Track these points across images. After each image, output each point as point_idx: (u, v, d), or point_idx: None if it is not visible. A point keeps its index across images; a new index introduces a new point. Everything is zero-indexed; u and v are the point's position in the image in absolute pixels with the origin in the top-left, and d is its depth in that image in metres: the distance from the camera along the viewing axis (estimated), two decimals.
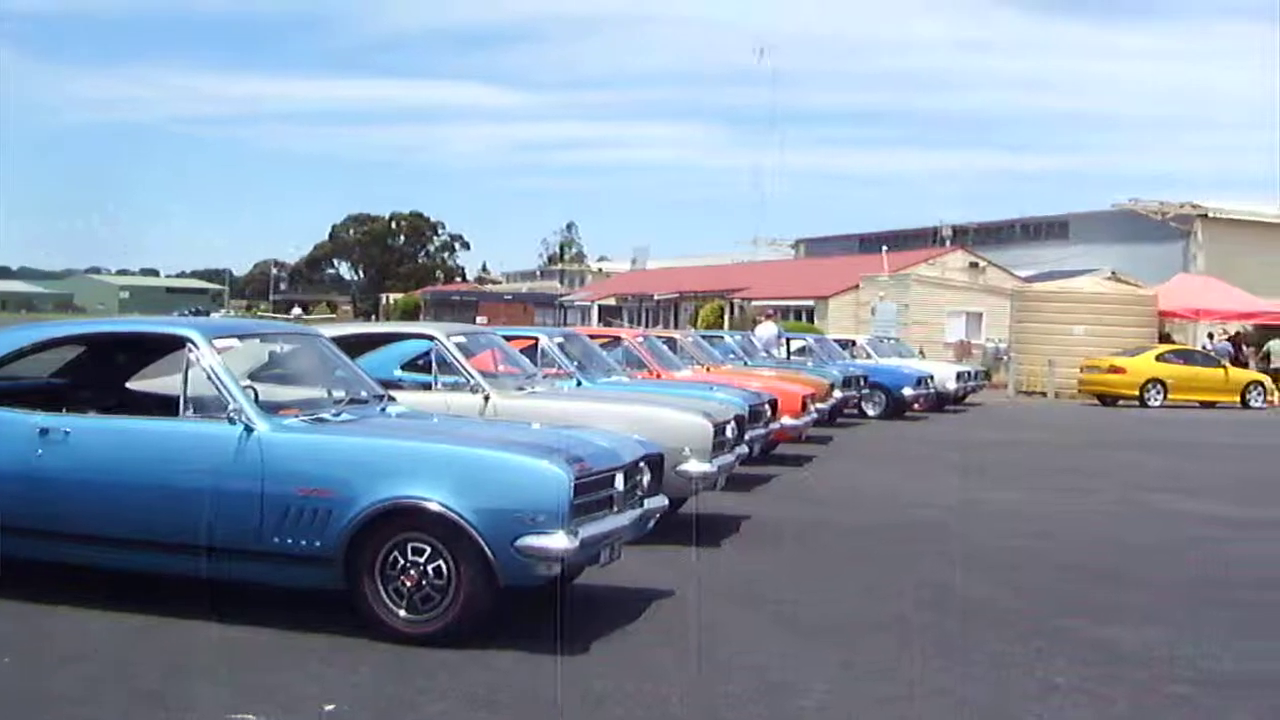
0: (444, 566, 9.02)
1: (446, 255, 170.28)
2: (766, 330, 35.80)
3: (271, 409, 9.80)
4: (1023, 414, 39.67)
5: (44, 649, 9.02)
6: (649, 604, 10.62)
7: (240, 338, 11.12)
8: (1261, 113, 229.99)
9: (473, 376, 13.98)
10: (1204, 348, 52.63)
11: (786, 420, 19.89)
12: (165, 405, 10.41)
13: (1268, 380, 47.73)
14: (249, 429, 9.45)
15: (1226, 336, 54.86)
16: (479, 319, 77.61)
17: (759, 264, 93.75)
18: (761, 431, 17.54)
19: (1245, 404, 45.66)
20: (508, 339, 16.69)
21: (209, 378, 9.77)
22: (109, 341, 12.17)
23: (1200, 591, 12.49)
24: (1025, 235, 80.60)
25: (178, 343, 10.20)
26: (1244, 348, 53.10)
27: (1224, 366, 47.28)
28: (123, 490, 9.72)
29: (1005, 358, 53.26)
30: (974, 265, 71.03)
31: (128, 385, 12.09)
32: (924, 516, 16.45)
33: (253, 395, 9.75)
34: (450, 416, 12.26)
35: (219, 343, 10.15)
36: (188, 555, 9.52)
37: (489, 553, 8.89)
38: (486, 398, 13.70)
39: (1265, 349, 51.71)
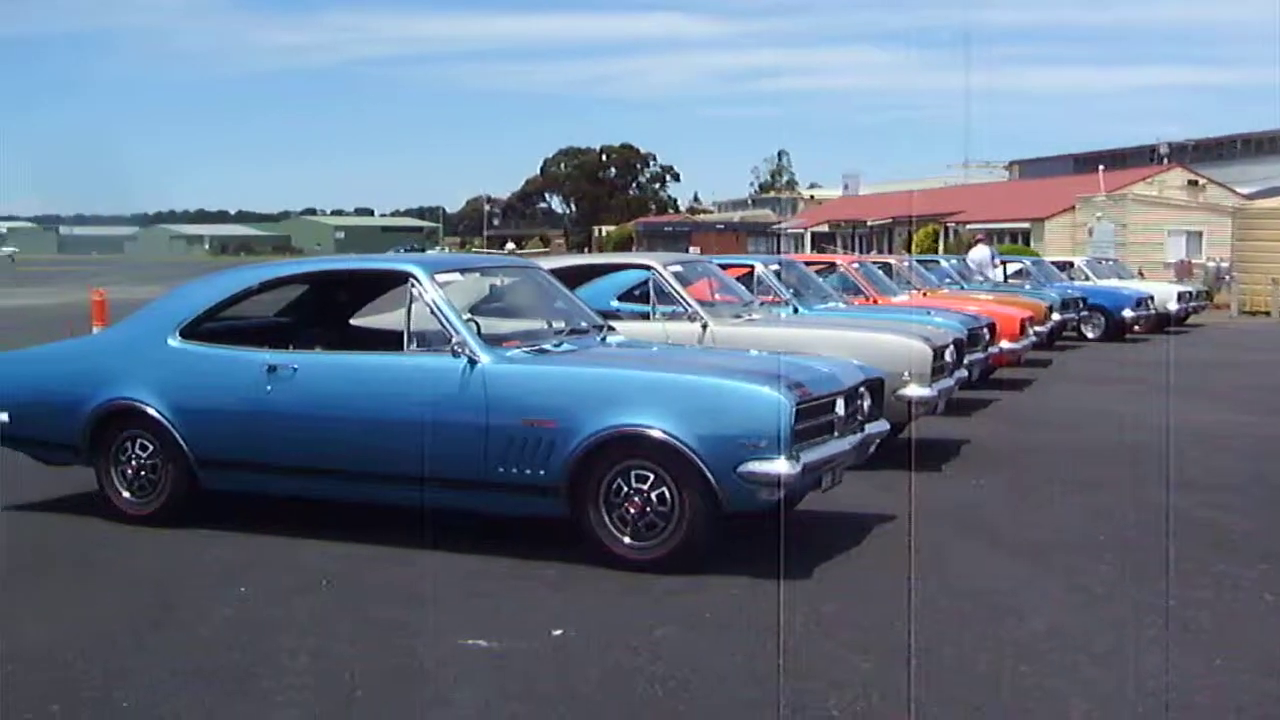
0: (667, 493, 9.10)
1: (657, 186, 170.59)
2: (980, 253, 35.39)
3: (494, 341, 9.93)
4: (1246, 335, 38.83)
5: (278, 579, 9.27)
6: (871, 529, 10.62)
7: (461, 272, 11.23)
8: None
9: (690, 305, 14.04)
10: None
11: (1005, 344, 19.69)
12: (389, 340, 10.62)
13: None
14: (472, 361, 9.60)
15: None
16: (692, 249, 77.55)
17: (973, 187, 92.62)
18: (980, 356, 17.38)
19: None
20: (723, 267, 16.73)
21: (432, 312, 9.92)
22: (331, 280, 12.42)
23: None
24: (1246, 151, 78.83)
25: (400, 278, 10.37)
26: None
27: None
28: (351, 424, 9.95)
29: (1227, 277, 52.12)
30: (1193, 183, 69.58)
31: (351, 322, 12.33)
32: (1145, 439, 16.19)
33: (475, 328, 9.89)
34: (669, 345, 12.34)
35: (440, 277, 10.29)
36: (416, 486, 9.71)
37: (711, 479, 8.94)
38: (705, 326, 13.76)
39: None
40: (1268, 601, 8.87)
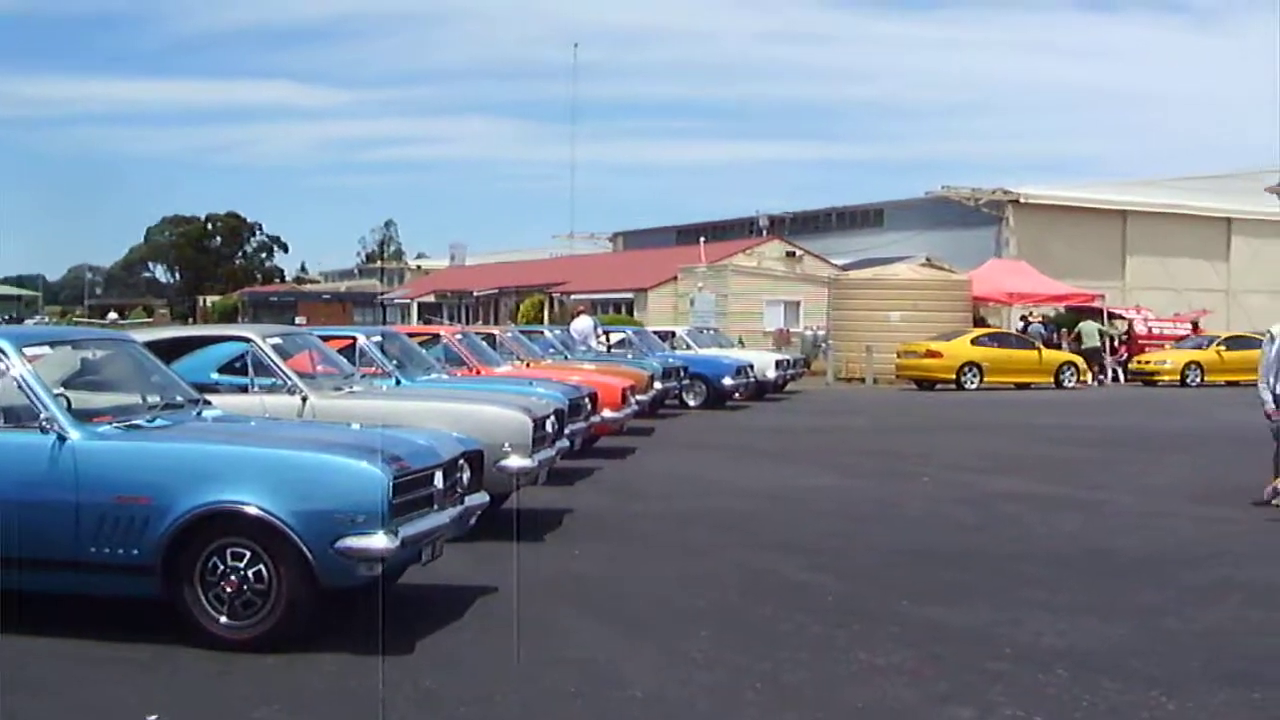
0: (264, 571, 8.95)
1: (264, 256, 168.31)
2: (583, 323, 35.75)
3: (84, 417, 9.64)
4: (842, 400, 40.06)
5: None
6: (473, 601, 10.61)
7: (51, 345, 10.90)
8: (1063, 97, 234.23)
9: (289, 378, 13.86)
10: (1018, 330, 53.55)
11: (607, 413, 19.97)
12: None
13: (1080, 360, 48.75)
14: (62, 438, 9.30)
15: (1039, 319, 55.88)
16: (298, 319, 76.73)
17: (577, 258, 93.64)
18: (582, 425, 17.58)
19: (1059, 384, 46.58)
20: (325, 339, 16.58)
21: (20, 387, 9.59)
22: None
23: (1014, 567, 12.69)
24: (841, 224, 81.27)
25: None
26: (1058, 330, 54.16)
27: (1037, 348, 48.14)
28: None
29: (823, 345, 53.71)
30: (791, 254, 71.48)
31: None
32: (746, 505, 16.57)
33: (65, 403, 9.59)
34: (267, 419, 12.15)
35: (29, 351, 9.96)
36: (3, 568, 9.35)
37: (309, 555, 8.83)
38: (304, 399, 13.60)
39: (1076, 330, 52.70)
40: (861, 660, 9.11)
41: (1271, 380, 16.23)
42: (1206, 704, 8.16)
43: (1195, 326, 57.43)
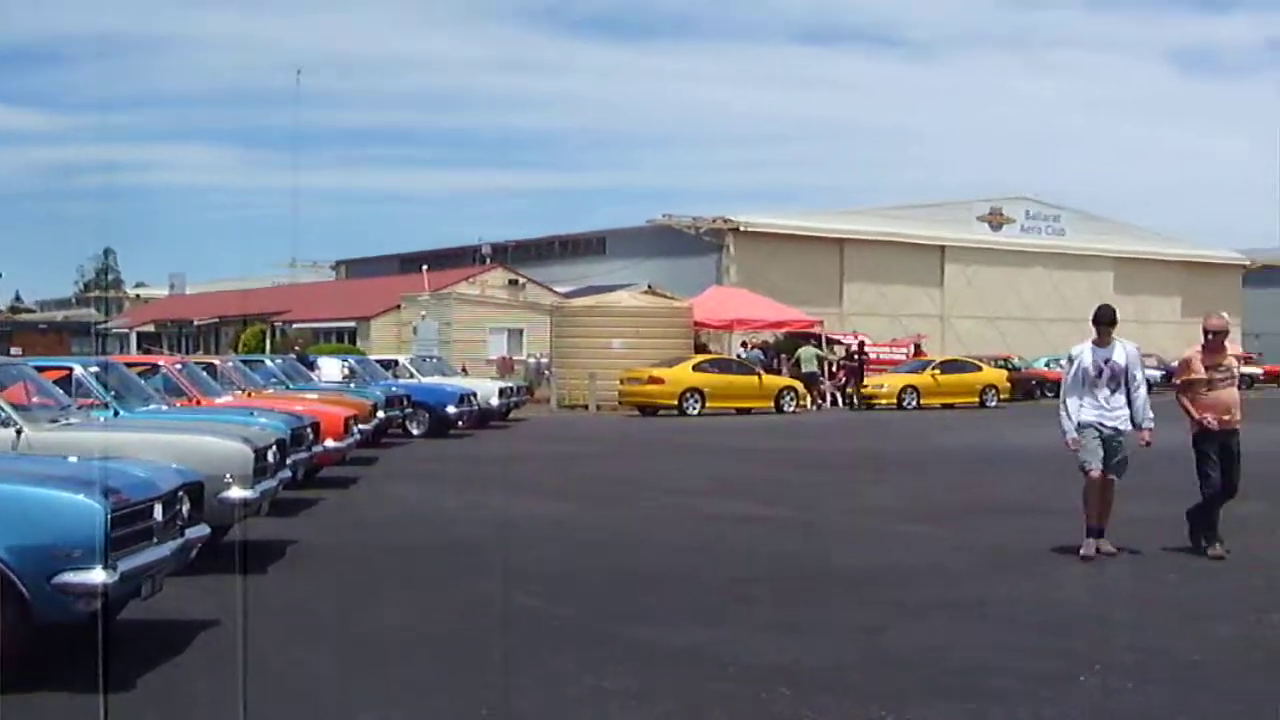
0: None
1: None
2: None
3: None
4: (566, 427, 40.27)
5: None
6: (196, 635, 10.42)
7: None
8: (783, 128, 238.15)
9: (3, 410, 13.50)
10: (738, 356, 54.34)
11: (330, 443, 19.82)
12: None
13: (799, 385, 49.58)
14: None
15: (758, 345, 56.78)
16: (13, 350, 74.73)
17: (300, 286, 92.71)
18: (304, 455, 17.43)
19: (779, 408, 47.30)
20: (40, 369, 16.19)
21: None
22: None
23: (736, 589, 12.85)
24: (564, 252, 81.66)
25: None
26: (778, 355, 55.08)
27: (758, 374, 48.84)
28: None
29: (547, 373, 53.94)
30: (514, 282, 71.65)
31: None
32: (471, 533, 16.56)
33: None
34: None
35: None
36: None
37: (24, 591, 8.59)
38: (19, 431, 13.23)
39: (796, 355, 53.65)
40: (588, 684, 9.15)
41: (1070, 406, 14.74)
42: (925, 717, 8.35)
43: (918, 349, 58.86)
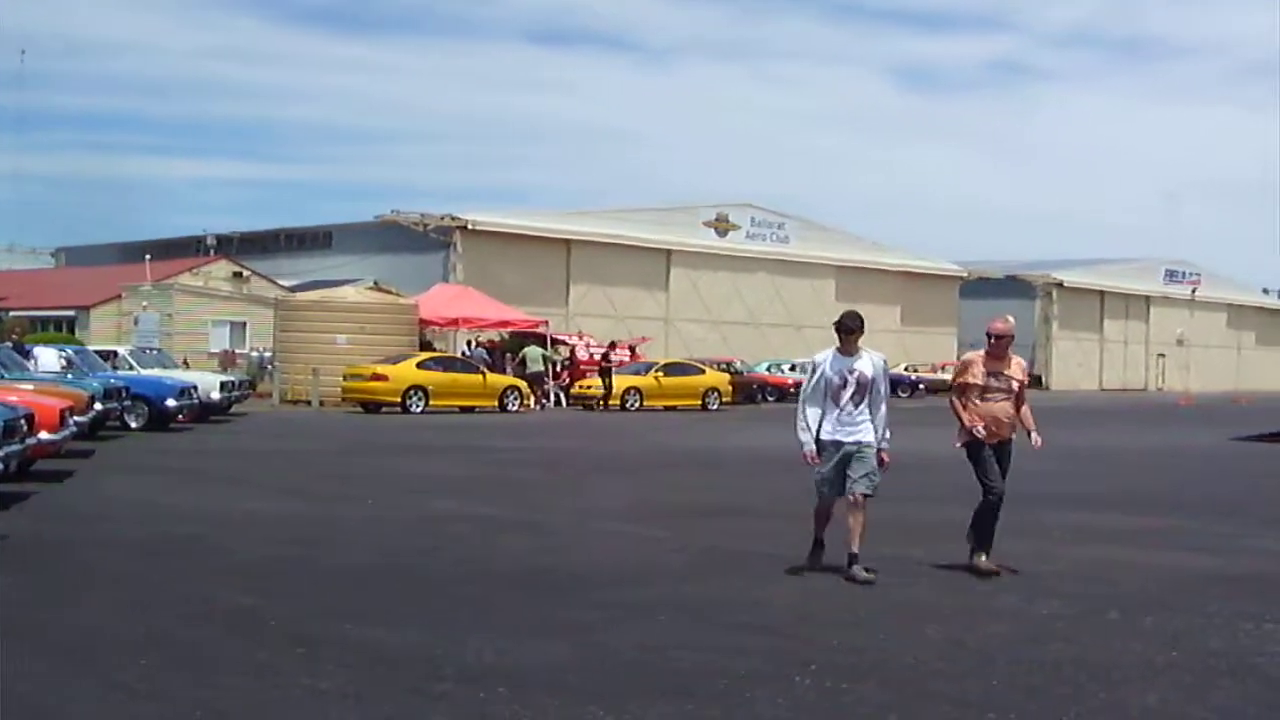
0: None
1: None
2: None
3: None
4: (288, 423, 39.90)
5: None
6: None
7: None
8: (511, 128, 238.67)
9: None
10: (463, 354, 54.34)
11: (44, 435, 19.40)
12: None
13: (524, 385, 49.74)
14: None
15: (484, 344, 56.83)
16: None
17: (17, 273, 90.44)
18: (18, 447, 17.03)
19: (503, 408, 47.42)
20: None
21: None
22: None
23: (456, 589, 12.85)
24: (290, 245, 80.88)
25: None
26: (503, 354, 55.20)
27: (483, 372, 48.89)
28: None
29: (270, 367, 53.40)
30: (238, 275, 70.76)
31: None
32: (187, 529, 16.31)
33: None
34: None
35: None
36: None
37: None
38: None
39: (521, 354, 53.83)
40: (305, 685, 9.07)
41: (809, 416, 13.68)
42: (643, 717, 8.44)
43: (633, 352, 59.39)
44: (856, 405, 13.47)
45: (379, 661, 9.80)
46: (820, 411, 13.59)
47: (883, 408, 13.62)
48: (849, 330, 13.52)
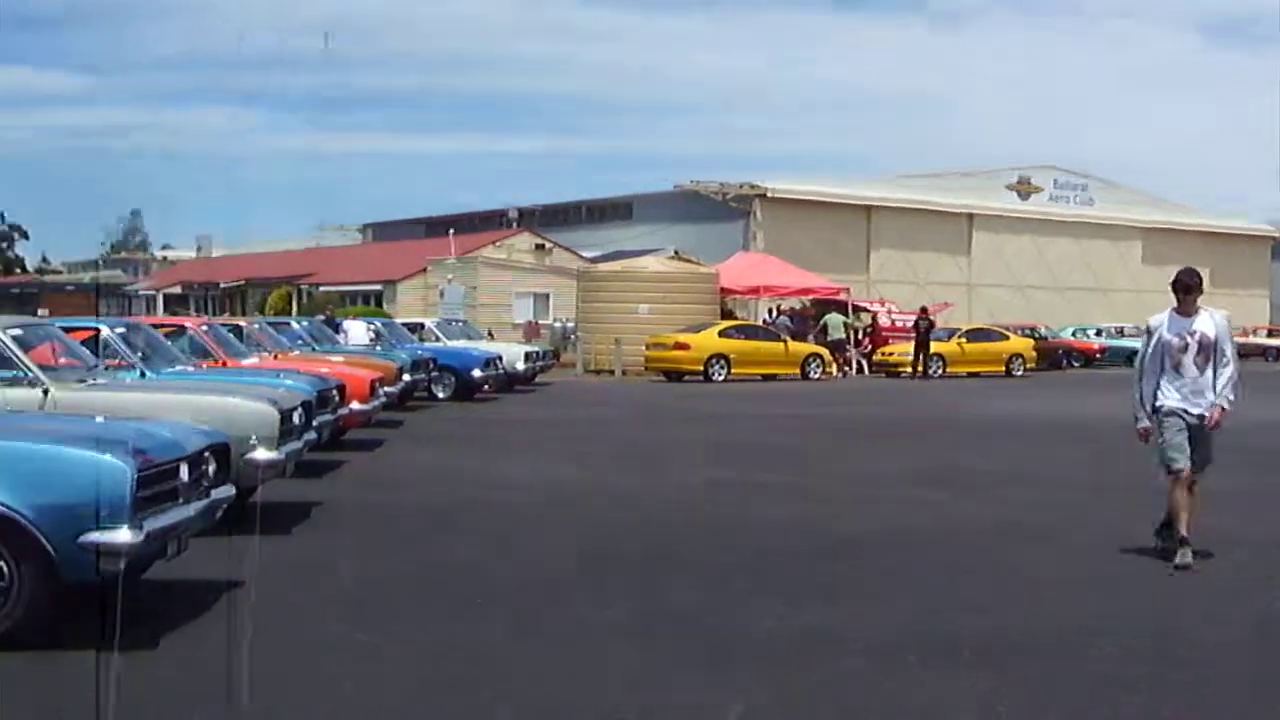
0: (4, 567, 8.78)
1: (4, 246, 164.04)
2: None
3: None
4: (590, 392, 40.33)
5: None
6: (219, 595, 10.51)
7: None
8: (812, 95, 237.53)
9: (30, 370, 13.59)
10: (765, 322, 54.33)
11: (355, 405, 19.90)
12: None
13: (826, 352, 49.53)
14: None
15: (785, 312, 56.73)
16: (41, 311, 75.02)
17: (327, 250, 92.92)
18: (330, 417, 17.50)
19: (805, 375, 47.29)
20: (68, 330, 16.30)
21: None
22: None
23: (722, 557, 12.87)
24: (590, 217, 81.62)
25: None
26: (804, 322, 55.03)
27: (784, 340, 48.80)
28: None
29: (573, 337, 53.96)
30: (540, 247, 71.66)
31: None
32: (493, 496, 16.64)
33: None
34: (7, 412, 11.93)
35: None
36: None
37: (51, 550, 8.69)
38: (46, 391, 13.34)
39: (822, 322, 53.63)
40: (597, 645, 9.21)
41: (1145, 388, 12.59)
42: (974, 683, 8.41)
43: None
44: (1201, 370, 12.32)
45: (663, 622, 9.91)
46: (1157, 381, 12.44)
47: (1229, 369, 12.34)
48: (1187, 288, 12.38)
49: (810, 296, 58.49)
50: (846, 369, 52.03)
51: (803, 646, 9.33)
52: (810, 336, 52.66)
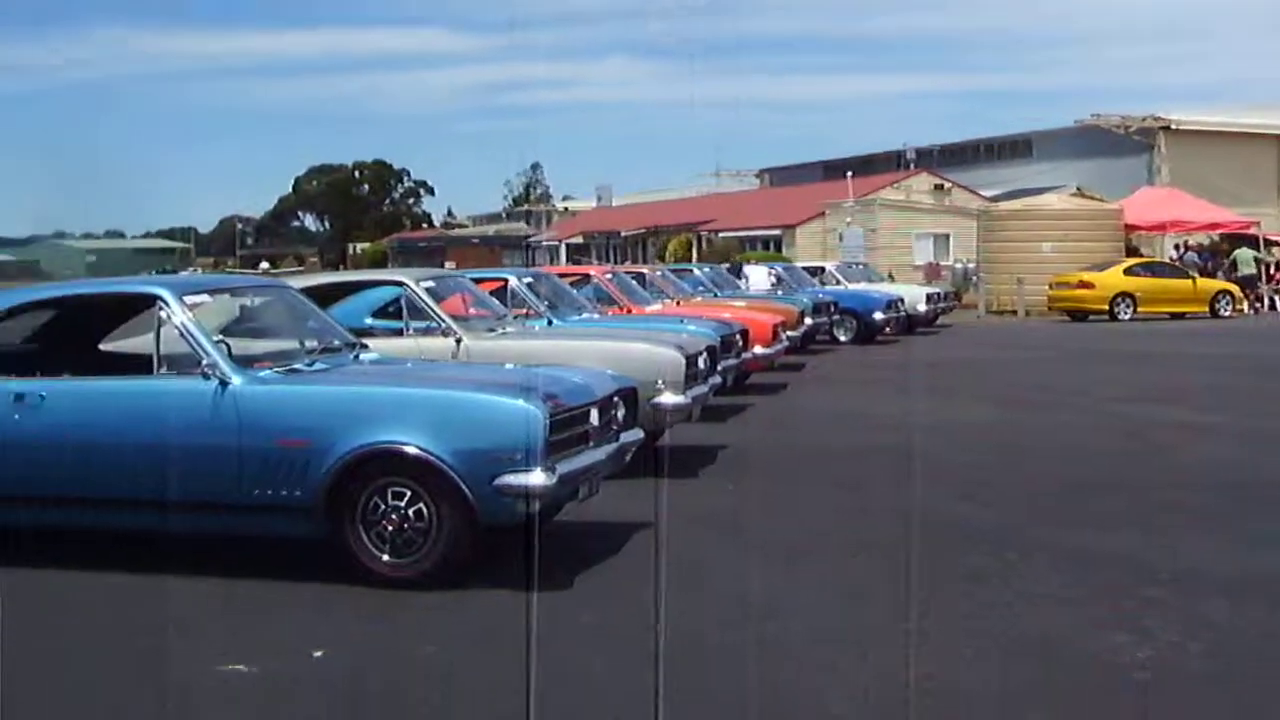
0: (424, 509, 9.09)
1: (411, 202, 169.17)
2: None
3: (245, 362, 9.83)
4: (993, 333, 39.81)
5: (33, 612, 9.08)
6: (629, 537, 10.69)
7: (210, 293, 11.03)
8: (1218, 21, 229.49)
9: (444, 320, 14.02)
10: (1171, 259, 52.85)
11: (758, 349, 19.97)
12: (139, 364, 10.44)
13: (1235, 289, 47.90)
14: (224, 383, 9.50)
15: (1193, 248, 55.07)
16: (447, 264, 77.25)
17: (725, 195, 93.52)
18: (734, 361, 17.59)
19: (1214, 313, 45.81)
20: (477, 281, 16.75)
21: (181, 334, 9.80)
22: (79, 304, 12.13)
23: (1166, 495, 12.60)
24: (989, 155, 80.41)
25: (148, 301, 10.24)
26: (1213, 257, 53.35)
27: (1192, 277, 47.39)
28: (101, 451, 9.78)
29: (974, 278, 53.31)
30: (939, 187, 70.85)
31: (100, 347, 12.10)
32: (897, 439, 16.53)
33: (225, 349, 9.78)
34: (422, 361, 12.31)
35: (189, 299, 10.15)
36: (170, 512, 9.58)
37: (468, 493, 8.96)
38: (458, 341, 13.75)
39: (1232, 257, 51.90)
40: (1015, 590, 9.12)
41: None
42: None
43: None
44: None
45: (1087, 566, 9.75)
46: None
47: None
48: None
49: (1219, 231, 56.60)
50: (1258, 305, 50.22)
51: None
52: (1219, 273, 51.01)
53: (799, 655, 7.71)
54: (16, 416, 9.96)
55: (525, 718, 6.67)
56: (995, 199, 63.66)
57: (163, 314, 9.94)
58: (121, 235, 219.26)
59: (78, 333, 11.98)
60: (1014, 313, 47.39)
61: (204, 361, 9.60)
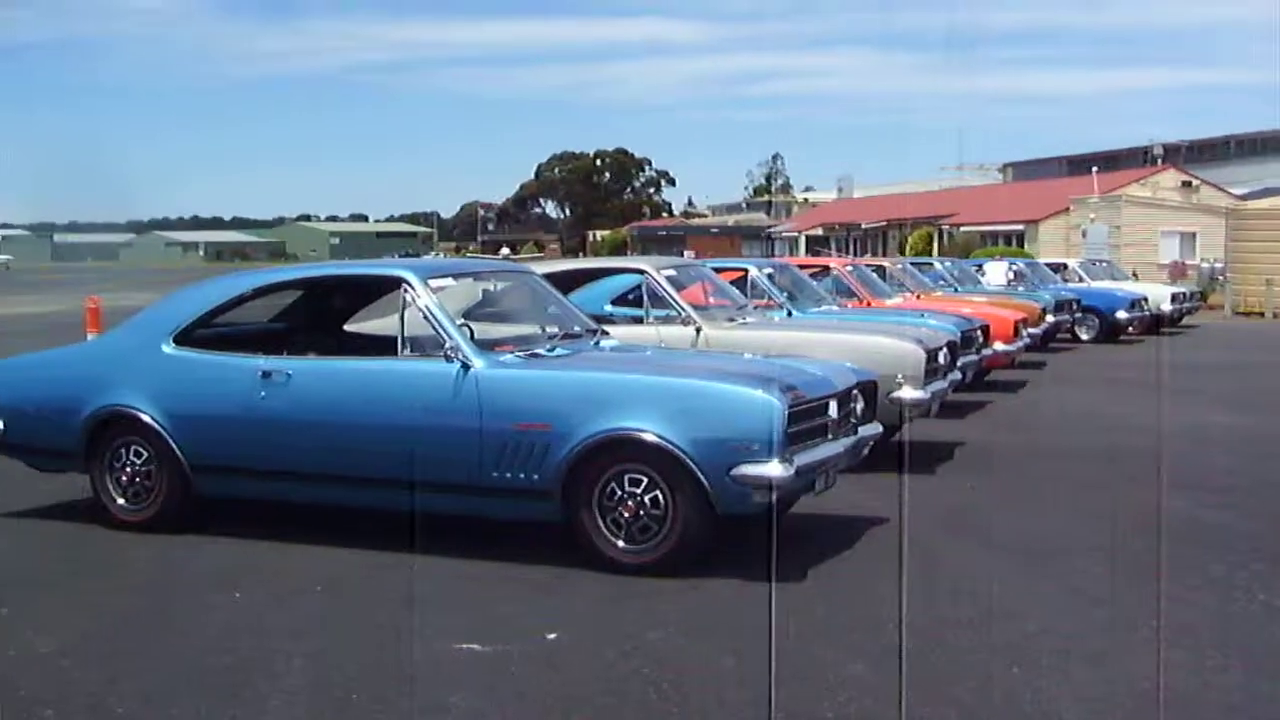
0: (661, 496, 9.12)
1: (652, 191, 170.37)
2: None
3: (487, 346, 9.95)
4: (1241, 335, 38.89)
5: (273, 584, 9.29)
6: (864, 531, 10.63)
7: (454, 277, 11.17)
8: None
9: (684, 309, 14.06)
10: None
11: (999, 346, 19.71)
12: (383, 346, 10.63)
13: None
14: (466, 366, 9.61)
15: None
16: (686, 253, 77.42)
17: (966, 189, 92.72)
18: (974, 357, 17.38)
19: None
20: (717, 271, 16.75)
21: (425, 317, 9.94)
22: (325, 285, 12.40)
23: None
24: (1239, 151, 78.83)
25: (393, 284, 10.40)
26: None
27: None
28: (344, 429, 9.98)
29: (1221, 278, 52.18)
30: (1186, 184, 69.57)
31: (345, 327, 12.34)
32: (1140, 441, 16.20)
33: (468, 333, 9.91)
34: (662, 349, 12.35)
35: (434, 282, 10.30)
36: (409, 491, 9.73)
37: (705, 482, 8.97)
38: (698, 330, 13.77)
39: None
40: (1261, 601, 8.88)
41: None
42: None
43: None
44: None
45: None
46: None
47: None
48: None
49: None
50: None
51: None
52: None
53: (1035, 660, 7.58)
54: (263, 393, 10.20)
55: (768, 708, 6.65)
56: (1245, 197, 62.31)
57: (407, 296, 10.09)
58: (365, 219, 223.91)
59: (323, 313, 12.26)
60: (1262, 314, 46.27)
61: (447, 344, 9.73)
